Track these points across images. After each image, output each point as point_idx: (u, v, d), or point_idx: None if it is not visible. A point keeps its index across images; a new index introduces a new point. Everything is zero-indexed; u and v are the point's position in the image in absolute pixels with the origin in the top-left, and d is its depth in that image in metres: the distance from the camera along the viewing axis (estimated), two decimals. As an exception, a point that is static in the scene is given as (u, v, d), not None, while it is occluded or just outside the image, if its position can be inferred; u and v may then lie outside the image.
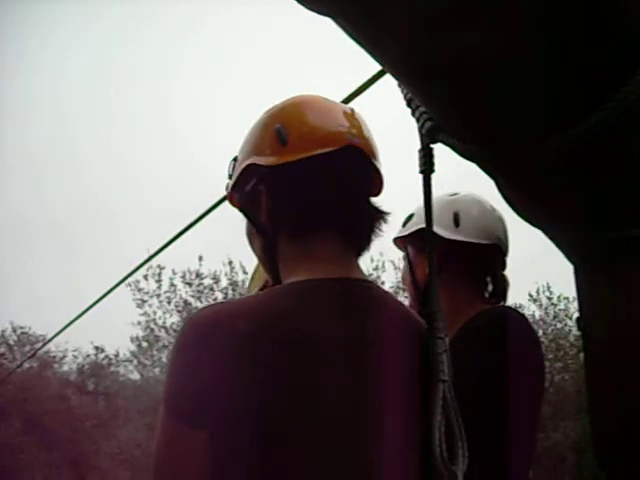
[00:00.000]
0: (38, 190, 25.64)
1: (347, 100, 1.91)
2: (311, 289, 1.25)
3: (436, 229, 1.98)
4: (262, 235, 1.39)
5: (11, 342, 19.88)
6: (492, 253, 2.09)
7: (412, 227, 2.10)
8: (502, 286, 2.14)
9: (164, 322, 16.28)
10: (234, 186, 1.43)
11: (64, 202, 25.17)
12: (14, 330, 19.78)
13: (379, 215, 1.40)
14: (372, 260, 15.19)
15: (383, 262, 15.15)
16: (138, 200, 25.20)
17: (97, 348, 19.52)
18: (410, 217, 2.14)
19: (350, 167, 1.33)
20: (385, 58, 1.17)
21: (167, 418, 1.17)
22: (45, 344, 14.48)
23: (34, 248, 24.79)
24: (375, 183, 1.41)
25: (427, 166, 1.41)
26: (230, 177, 1.46)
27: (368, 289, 1.33)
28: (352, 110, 1.42)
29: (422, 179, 1.42)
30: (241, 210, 1.44)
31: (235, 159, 1.44)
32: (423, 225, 1.98)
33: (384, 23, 1.03)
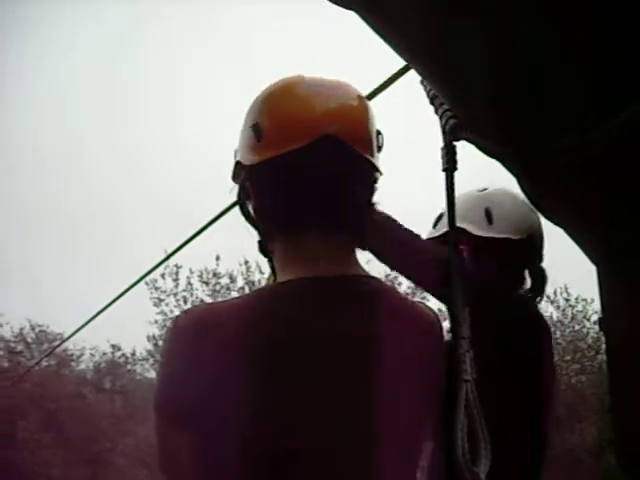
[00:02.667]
0: (52, 189, 25.82)
1: (369, 97, 1.90)
2: (302, 289, 1.20)
3: (468, 226, 1.96)
4: (258, 231, 1.35)
5: (29, 340, 20.02)
6: (527, 247, 2.02)
7: (443, 227, 2.06)
8: (540, 280, 2.07)
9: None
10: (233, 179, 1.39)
11: (80, 202, 25.35)
12: (32, 328, 19.92)
13: (367, 207, 1.31)
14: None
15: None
16: (156, 200, 25.34)
17: (114, 346, 19.64)
18: (440, 217, 2.11)
19: (329, 159, 1.22)
20: (410, 53, 1.16)
21: (157, 419, 1.17)
22: (63, 342, 14.58)
23: (53, 248, 24.99)
24: (362, 172, 1.28)
25: (450, 164, 1.40)
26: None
27: (365, 285, 1.25)
28: (346, 93, 1.28)
29: (445, 177, 1.41)
30: (239, 208, 1.39)
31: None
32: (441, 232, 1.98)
33: (410, 17, 1.03)
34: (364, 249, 1.32)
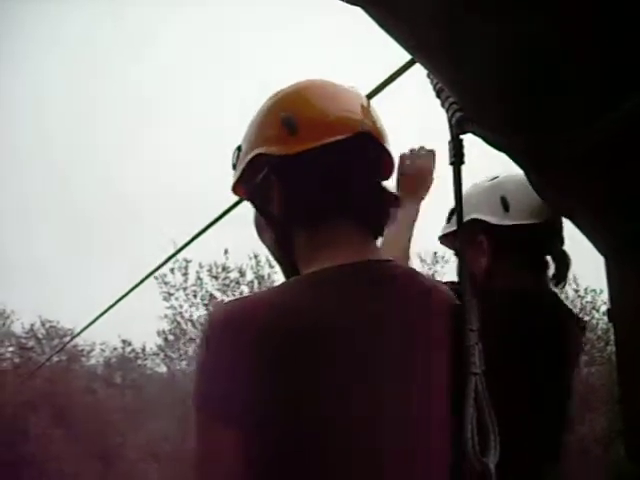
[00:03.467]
0: (62, 186, 25.87)
1: (376, 91, 1.90)
2: (329, 277, 1.22)
3: (486, 217, 1.95)
4: (274, 226, 1.36)
5: (40, 336, 20.10)
6: (547, 230, 1.97)
7: (447, 230, 2.07)
8: (563, 264, 2.03)
9: (190, 315, 16.41)
10: (240, 177, 1.39)
11: (90, 198, 25.40)
12: (42, 324, 20.02)
13: (392, 198, 1.38)
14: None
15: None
16: (165, 194, 25.35)
17: (124, 342, 19.70)
18: (453, 212, 2.08)
19: (362, 153, 1.30)
20: (418, 47, 1.17)
21: (198, 417, 1.17)
22: (73, 338, 14.65)
23: (63, 244, 25.07)
24: (387, 167, 1.40)
25: (457, 157, 1.40)
26: (234, 167, 1.41)
27: (389, 268, 1.30)
28: (359, 93, 1.39)
29: (452, 171, 1.41)
30: (250, 201, 1.41)
31: (239, 148, 1.40)
32: (470, 216, 1.96)
33: (420, 10, 1.03)
34: (381, 237, 1.37)
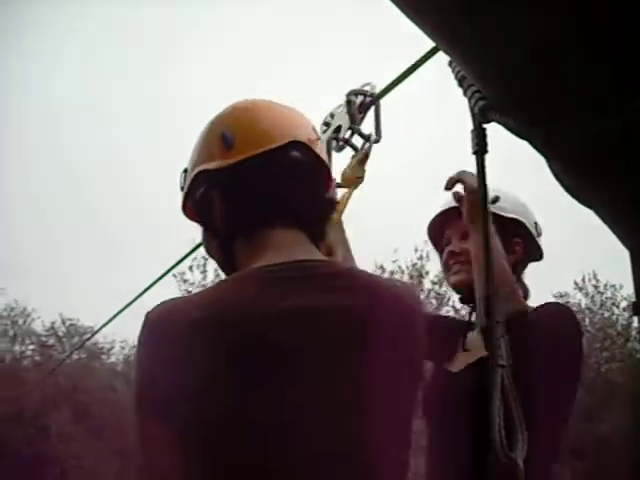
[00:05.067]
0: (80, 186, 26.09)
1: (396, 82, 1.87)
2: (266, 273, 1.25)
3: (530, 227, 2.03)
4: (217, 237, 1.40)
5: (60, 334, 20.30)
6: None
7: (498, 211, 2.01)
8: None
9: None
10: (187, 196, 1.44)
11: (107, 197, 25.57)
12: (63, 322, 20.21)
13: (330, 205, 1.44)
14: (416, 250, 15.14)
15: (428, 252, 15.08)
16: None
17: (144, 339, 19.79)
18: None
19: (296, 161, 1.35)
20: (441, 32, 1.15)
21: (135, 412, 1.19)
22: (93, 335, 14.73)
23: (82, 243, 25.25)
24: (324, 176, 1.43)
25: (480, 146, 1.38)
26: (182, 189, 1.46)
27: (326, 266, 1.31)
28: (295, 110, 1.44)
29: (475, 160, 1.39)
30: (194, 218, 1.45)
31: (185, 171, 1.45)
32: (511, 215, 1.97)
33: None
34: (322, 242, 1.40)
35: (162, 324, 1.18)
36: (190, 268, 16.21)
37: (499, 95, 1.27)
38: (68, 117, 27.39)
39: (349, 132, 1.94)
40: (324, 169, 1.43)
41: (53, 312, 20.45)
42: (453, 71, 1.45)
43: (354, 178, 1.88)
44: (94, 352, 20.03)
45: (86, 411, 17.07)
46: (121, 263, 25.03)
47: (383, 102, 1.99)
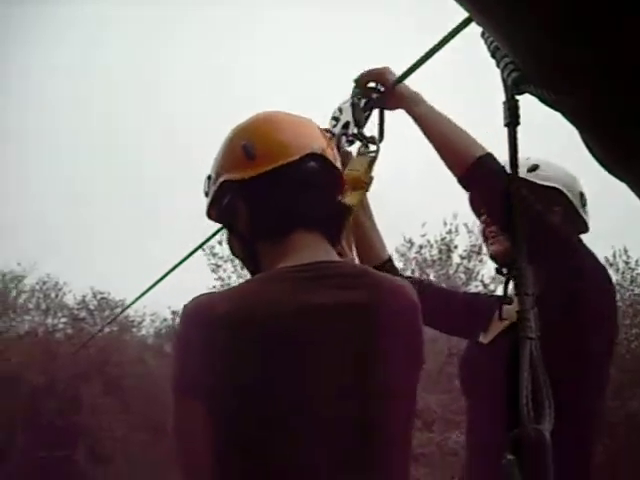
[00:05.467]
0: (109, 166, 26.26)
1: (429, 54, 1.85)
2: (289, 274, 1.39)
3: (571, 197, 2.00)
4: (242, 242, 1.53)
5: (91, 307, 20.55)
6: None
7: (533, 179, 1.98)
8: None
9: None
10: (212, 202, 1.56)
11: (139, 175, 25.73)
12: (94, 295, 20.45)
13: (344, 209, 1.57)
14: (445, 223, 15.04)
15: (457, 225, 14.98)
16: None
17: (174, 312, 19.97)
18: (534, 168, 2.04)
19: (314, 171, 1.47)
20: (474, 2, 1.13)
21: (173, 397, 1.36)
22: (125, 309, 14.91)
23: (113, 218, 25.46)
24: (338, 184, 1.56)
25: (512, 118, 1.37)
26: (207, 194, 1.58)
27: (343, 267, 1.47)
28: (312, 122, 1.57)
29: (507, 132, 1.38)
30: (220, 222, 1.62)
31: (209, 177, 1.56)
32: (548, 183, 1.95)
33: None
34: (339, 243, 1.55)
35: (198, 317, 1.34)
36: (220, 243, 16.26)
37: (534, 65, 1.25)
38: (104, 88, 27.50)
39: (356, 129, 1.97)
40: (337, 176, 1.55)
41: (84, 286, 20.73)
42: (486, 42, 1.43)
43: (363, 183, 1.92)
44: (125, 325, 20.27)
45: (117, 384, 17.32)
46: (151, 237, 25.27)
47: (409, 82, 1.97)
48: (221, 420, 1.31)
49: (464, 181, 1.81)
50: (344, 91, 2.03)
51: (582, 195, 2.03)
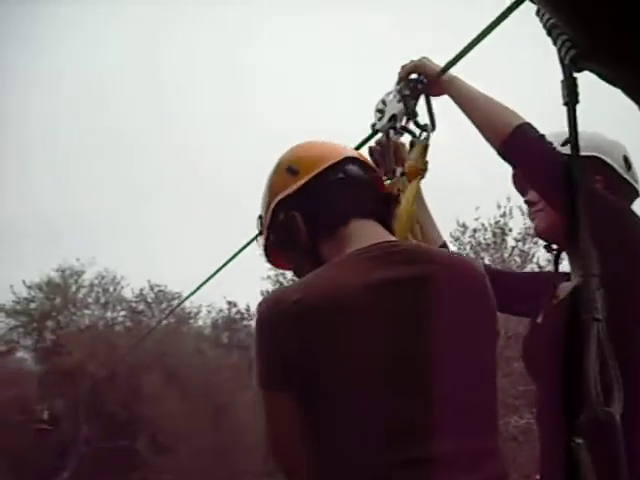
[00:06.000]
0: (165, 163, 26.61)
1: (483, 34, 1.82)
2: (355, 256, 1.45)
3: (612, 162, 1.88)
4: (305, 253, 1.59)
5: (149, 300, 20.93)
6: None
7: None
8: None
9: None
10: (268, 236, 1.67)
11: (194, 170, 26.02)
12: (151, 288, 20.82)
13: (389, 198, 1.67)
14: (499, 207, 14.84)
15: (510, 208, 14.76)
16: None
17: (230, 303, 20.30)
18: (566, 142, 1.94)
19: (353, 170, 1.60)
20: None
21: (261, 391, 1.41)
22: (182, 302, 15.20)
23: (169, 213, 25.83)
24: (378, 183, 1.67)
25: (571, 97, 1.34)
26: (261, 232, 1.70)
27: (403, 245, 1.54)
28: (343, 144, 1.69)
29: (567, 111, 1.35)
30: (280, 246, 1.66)
31: (260, 217, 1.69)
32: (591, 153, 1.86)
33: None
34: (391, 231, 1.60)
35: (276, 310, 1.39)
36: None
37: (593, 42, 1.22)
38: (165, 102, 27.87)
39: (405, 119, 1.97)
40: (376, 177, 1.67)
41: (142, 279, 21.09)
42: (541, 20, 1.40)
43: (418, 170, 1.92)
44: (182, 317, 20.58)
45: (175, 374, 17.58)
46: (205, 231, 25.55)
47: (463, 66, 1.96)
48: (312, 404, 1.35)
49: (504, 151, 1.78)
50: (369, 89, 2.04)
51: (626, 159, 1.92)
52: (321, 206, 1.57)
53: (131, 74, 27.05)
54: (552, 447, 1.41)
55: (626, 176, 1.90)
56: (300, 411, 1.36)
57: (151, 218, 26.10)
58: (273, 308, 1.41)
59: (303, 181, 1.57)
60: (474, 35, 1.88)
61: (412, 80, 1.98)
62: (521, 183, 2.04)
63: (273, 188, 1.64)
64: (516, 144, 1.76)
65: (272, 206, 1.61)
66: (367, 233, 1.53)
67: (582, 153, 1.84)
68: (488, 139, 1.82)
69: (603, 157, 1.87)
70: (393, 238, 1.56)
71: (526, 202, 2.02)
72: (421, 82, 1.97)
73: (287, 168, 1.61)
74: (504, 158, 1.81)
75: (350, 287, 1.38)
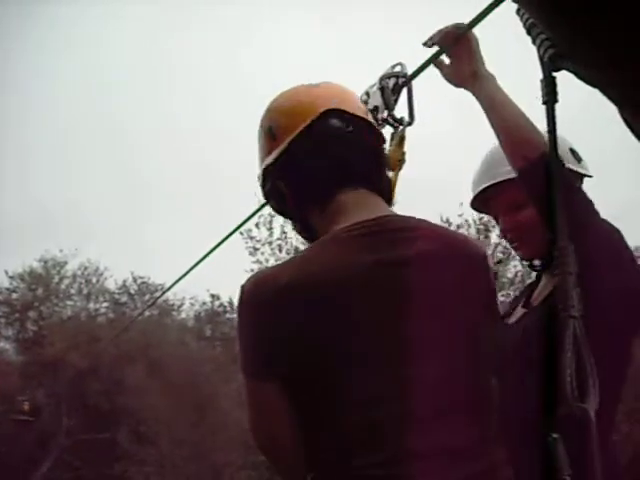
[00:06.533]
0: (149, 143, 26.49)
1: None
2: (343, 234, 1.36)
3: (575, 167, 1.84)
4: (296, 219, 1.54)
5: (132, 291, 20.85)
6: None
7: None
8: None
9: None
10: (267, 196, 1.55)
11: (176, 157, 25.92)
12: (134, 280, 20.74)
13: (386, 159, 1.55)
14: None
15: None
16: (247, 152, 25.56)
17: (213, 296, 20.18)
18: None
19: (339, 127, 1.44)
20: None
21: (245, 379, 1.36)
22: (164, 293, 15.06)
23: (152, 205, 25.74)
24: (368, 132, 1.50)
25: (550, 96, 1.35)
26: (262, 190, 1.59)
27: (403, 221, 1.41)
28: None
29: (545, 110, 1.37)
30: (275, 210, 1.57)
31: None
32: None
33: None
34: (390, 198, 1.51)
35: (257, 292, 1.32)
36: (257, 225, 16.30)
37: (571, 41, 1.23)
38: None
39: (386, 112, 1.95)
40: (367, 126, 1.49)
41: (125, 271, 21.01)
42: (521, 19, 1.41)
43: (396, 161, 1.90)
44: (165, 309, 20.51)
45: (158, 366, 17.52)
46: (189, 223, 25.47)
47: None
48: (299, 390, 1.30)
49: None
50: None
51: (573, 151, 1.90)
52: (302, 177, 1.45)
53: (131, 69, 26.98)
54: (524, 444, 1.42)
55: (577, 169, 1.87)
56: (284, 401, 1.30)
57: (136, 209, 26.01)
58: (257, 290, 1.33)
59: (280, 149, 1.45)
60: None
61: (394, 74, 1.98)
62: (484, 205, 2.00)
63: (260, 151, 1.54)
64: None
65: (261, 176, 1.53)
66: (356, 206, 1.41)
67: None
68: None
69: (571, 167, 1.85)
70: (383, 210, 1.44)
71: (502, 230, 1.94)
72: (404, 76, 1.97)
73: (267, 130, 1.50)
74: (520, 177, 1.73)
75: (335, 272, 1.30)
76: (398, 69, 1.99)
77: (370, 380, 1.28)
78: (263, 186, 1.53)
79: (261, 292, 1.31)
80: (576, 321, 1.25)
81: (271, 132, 1.48)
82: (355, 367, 1.28)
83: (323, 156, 1.42)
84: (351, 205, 1.41)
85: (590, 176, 1.90)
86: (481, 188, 1.89)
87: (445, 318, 1.32)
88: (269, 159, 1.47)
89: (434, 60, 1.91)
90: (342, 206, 1.42)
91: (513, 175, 1.73)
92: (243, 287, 1.35)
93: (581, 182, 1.88)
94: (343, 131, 1.44)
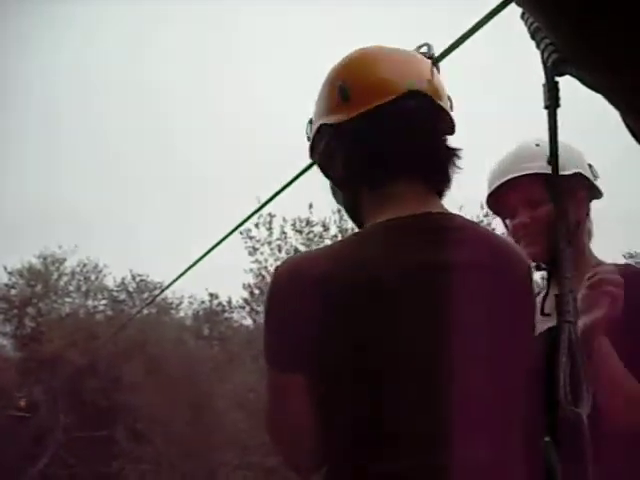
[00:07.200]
0: (151, 140, 26.49)
1: (466, 36, 1.84)
2: (388, 228, 1.30)
3: (589, 176, 1.89)
4: (342, 189, 1.45)
5: (130, 289, 20.84)
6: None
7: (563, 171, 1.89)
8: None
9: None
10: (313, 147, 1.48)
11: (176, 158, 25.90)
12: (133, 278, 20.74)
13: (453, 153, 1.42)
14: (482, 207, 14.85)
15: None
16: (248, 150, 25.58)
17: (211, 295, 20.18)
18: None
19: (414, 111, 1.35)
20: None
21: (268, 371, 1.31)
22: (163, 291, 15.10)
23: (151, 202, 25.71)
24: (446, 122, 1.42)
25: (552, 101, 1.35)
26: (308, 139, 1.50)
27: (450, 219, 1.36)
28: (415, 55, 1.45)
29: (547, 115, 1.37)
30: (320, 168, 1.48)
31: (310, 121, 1.48)
32: (573, 171, 1.87)
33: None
34: (445, 192, 1.42)
35: (290, 279, 1.27)
36: (256, 225, 16.35)
37: (575, 46, 1.24)
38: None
39: None
40: (444, 115, 1.41)
41: (124, 268, 21.01)
42: (526, 23, 1.41)
43: None
44: (163, 307, 20.50)
45: (156, 364, 17.53)
46: (188, 221, 25.46)
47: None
48: (324, 386, 1.25)
49: None
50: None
51: (591, 167, 1.93)
52: (365, 151, 1.36)
53: (127, 68, 26.91)
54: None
55: (597, 184, 1.92)
56: (305, 394, 1.25)
57: (135, 207, 26.01)
58: (290, 276, 1.27)
59: (349, 116, 1.35)
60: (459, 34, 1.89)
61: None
62: (502, 203, 2.00)
63: (321, 103, 1.44)
64: None
65: (316, 127, 1.44)
66: (411, 198, 1.34)
67: (571, 171, 1.85)
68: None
69: (583, 172, 1.88)
70: (432, 205, 1.36)
71: (519, 224, 1.94)
72: (430, 57, 1.94)
73: (340, 86, 1.38)
74: None
75: (376, 271, 1.24)
76: (424, 49, 1.94)
77: (399, 385, 1.23)
78: (316, 139, 1.45)
79: (295, 279, 1.26)
80: (571, 326, 1.25)
81: (343, 91, 1.37)
82: (386, 371, 1.23)
83: (389, 139, 1.35)
84: (402, 196, 1.34)
85: (602, 195, 1.94)
86: (507, 178, 1.89)
87: (485, 330, 1.26)
88: (333, 118, 1.39)
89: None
90: (393, 195, 1.35)
91: (540, 170, 1.76)
92: (276, 270, 1.31)
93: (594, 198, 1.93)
94: (417, 118, 1.36)
